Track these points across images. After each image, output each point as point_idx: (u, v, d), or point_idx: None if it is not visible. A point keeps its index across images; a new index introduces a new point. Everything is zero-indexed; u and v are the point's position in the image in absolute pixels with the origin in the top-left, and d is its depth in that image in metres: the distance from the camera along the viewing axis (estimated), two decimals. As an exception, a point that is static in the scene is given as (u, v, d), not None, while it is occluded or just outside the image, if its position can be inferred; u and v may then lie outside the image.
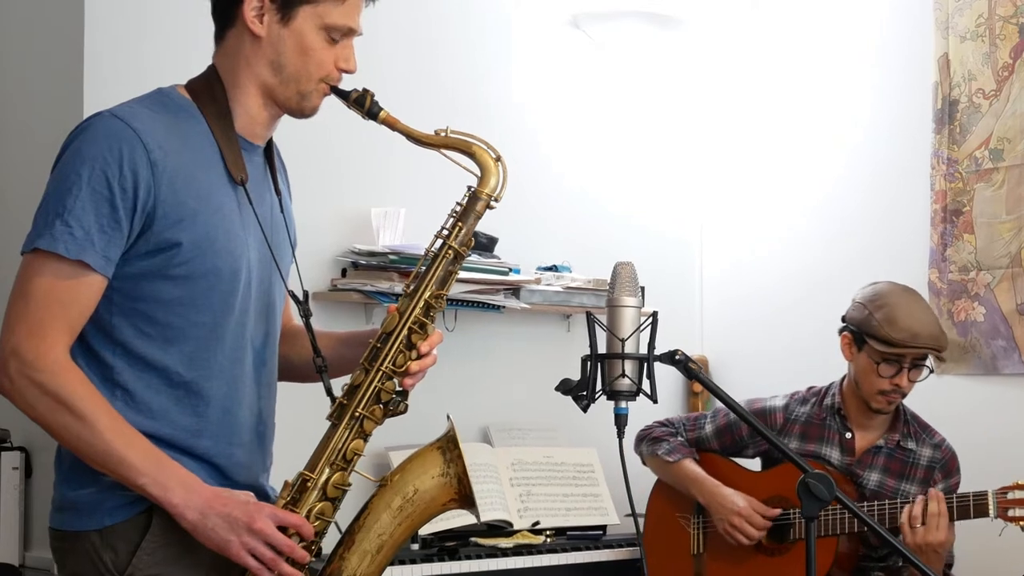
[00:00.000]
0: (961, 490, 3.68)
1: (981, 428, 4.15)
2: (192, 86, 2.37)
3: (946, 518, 3.46)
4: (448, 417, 2.45)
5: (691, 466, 3.94)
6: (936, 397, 4.21)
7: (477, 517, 2.48)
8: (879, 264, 4.43)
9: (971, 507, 3.45)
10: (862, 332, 3.67)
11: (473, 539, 4.03)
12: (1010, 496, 3.41)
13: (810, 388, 3.93)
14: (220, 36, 2.39)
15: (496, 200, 2.42)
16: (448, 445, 2.39)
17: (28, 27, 4.05)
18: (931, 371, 3.69)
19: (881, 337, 3.61)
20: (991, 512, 3.43)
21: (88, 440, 2.17)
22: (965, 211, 4.30)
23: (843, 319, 3.77)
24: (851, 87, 4.71)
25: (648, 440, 4.03)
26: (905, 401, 3.80)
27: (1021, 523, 3.39)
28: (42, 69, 3.99)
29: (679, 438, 4.01)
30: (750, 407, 3.94)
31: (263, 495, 2.37)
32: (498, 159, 2.42)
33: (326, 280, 4.08)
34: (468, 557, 3.90)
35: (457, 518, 3.93)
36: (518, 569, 3.98)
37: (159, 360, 2.25)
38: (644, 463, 4.07)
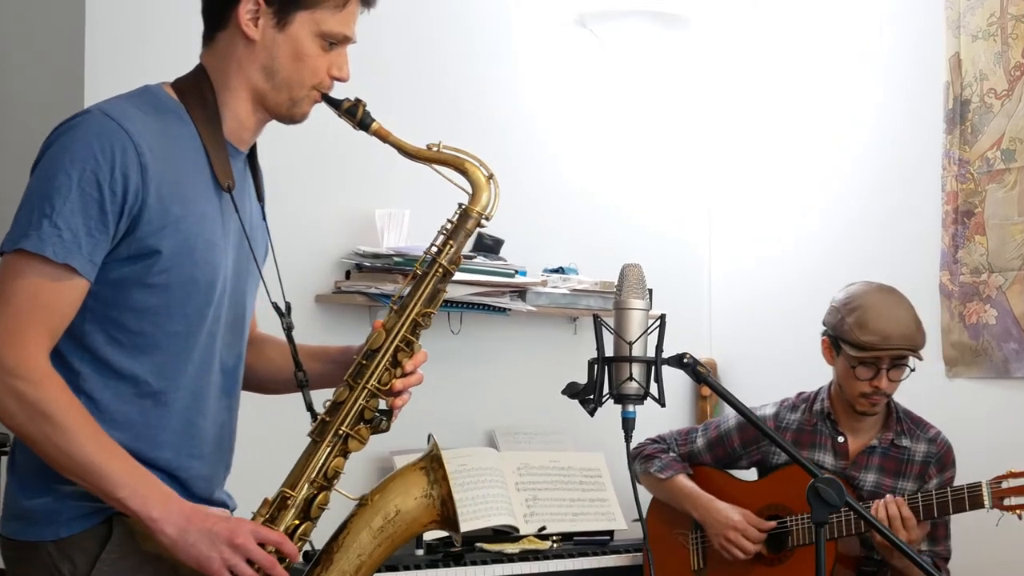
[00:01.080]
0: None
1: (992, 431, 4.14)
2: (180, 86, 2.34)
3: (911, 520, 3.44)
4: (430, 437, 2.45)
5: (684, 482, 3.94)
6: (947, 400, 4.22)
7: (457, 541, 2.47)
8: (889, 266, 4.41)
9: (966, 499, 3.43)
10: (837, 337, 3.68)
11: (479, 544, 4.04)
12: (1004, 485, 3.38)
13: (800, 394, 3.93)
14: (210, 37, 2.36)
15: (487, 219, 2.42)
16: (432, 465, 2.38)
17: (28, 27, 4.06)
18: (912, 370, 3.68)
19: (853, 341, 3.62)
20: (986, 503, 3.40)
21: (68, 451, 2.13)
22: (977, 212, 4.29)
23: (823, 322, 3.77)
24: (861, 87, 4.70)
25: (641, 458, 4.02)
26: (913, 403, 3.81)
27: (1018, 511, 3.36)
28: (42, 69, 3.99)
29: (671, 454, 4.00)
30: (740, 418, 3.92)
31: (221, 507, 2.35)
32: (490, 177, 2.42)
33: (330, 282, 4.07)
34: (474, 563, 3.89)
35: (463, 523, 3.90)
36: (524, 575, 3.97)
37: (128, 369, 2.22)
38: (638, 481, 4.05)
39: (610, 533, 4.33)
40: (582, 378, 2.50)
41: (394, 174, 4.24)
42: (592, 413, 2.50)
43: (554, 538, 4.18)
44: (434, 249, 2.40)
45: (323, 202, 4.02)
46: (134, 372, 2.22)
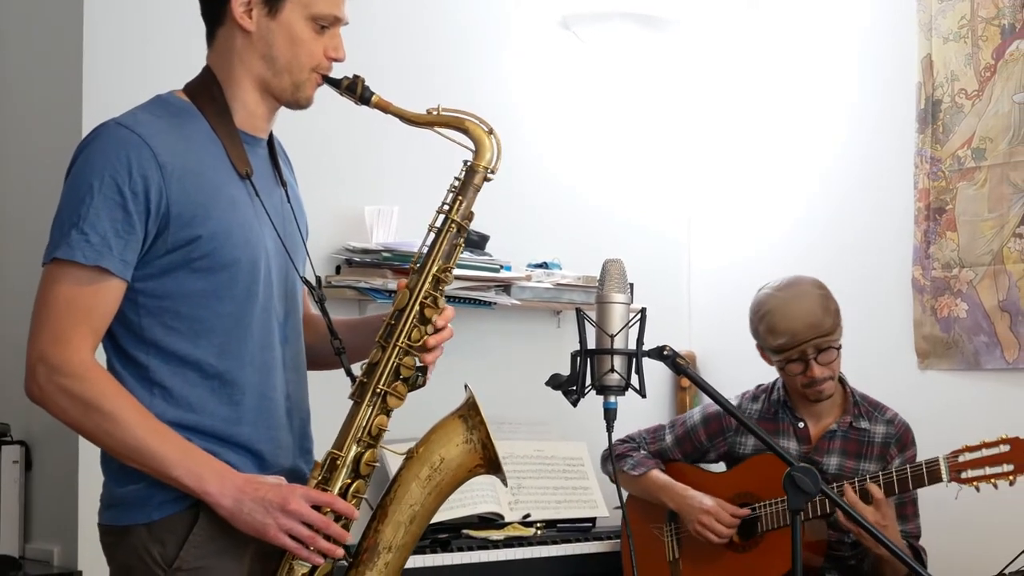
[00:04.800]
0: None
1: (963, 423, 4.11)
2: (189, 88, 2.43)
3: (859, 504, 3.49)
4: (467, 387, 2.50)
5: (658, 475, 4.00)
6: (919, 392, 4.26)
7: (504, 481, 2.51)
8: (863, 261, 4.49)
9: (924, 474, 3.49)
10: (758, 344, 3.82)
11: (465, 531, 4.07)
12: (961, 459, 3.45)
13: (759, 385, 4.01)
14: (211, 35, 2.45)
15: (492, 172, 2.48)
16: (469, 412, 2.45)
17: (27, 30, 4.07)
18: (837, 349, 3.74)
19: (769, 347, 3.75)
20: (944, 476, 3.46)
21: (120, 438, 2.22)
22: (948, 209, 4.34)
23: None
24: (836, 87, 4.74)
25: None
26: (886, 394, 3.88)
27: (975, 483, 3.43)
28: (41, 74, 4.01)
29: (642, 452, 4.07)
30: (705, 412, 4.04)
31: (300, 477, 2.41)
32: (491, 132, 2.48)
33: (321, 277, 4.09)
34: (460, 549, 3.93)
35: (450, 511, 3.96)
36: (509, 561, 4.02)
37: (190, 354, 2.31)
38: (612, 481, 4.10)
39: (592, 520, 4.37)
40: (565, 370, 2.55)
41: (384, 171, 4.29)
42: (575, 404, 2.55)
43: (538, 525, 4.23)
44: (446, 207, 2.46)
45: (314, 199, 4.01)
46: (196, 357, 2.31)
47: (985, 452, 3.44)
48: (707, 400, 4.07)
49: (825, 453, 3.80)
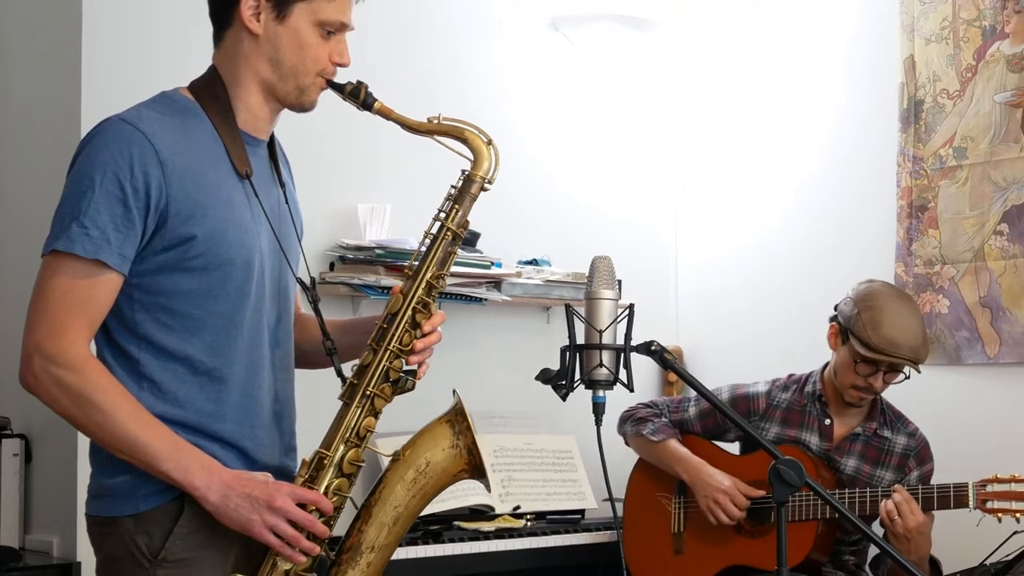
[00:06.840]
0: (932, 478, 3.81)
1: (945, 417, 4.22)
2: (194, 87, 2.45)
3: (913, 503, 3.54)
4: (455, 392, 2.52)
5: (676, 445, 4.00)
6: (902, 386, 4.29)
7: (487, 487, 2.53)
8: (848, 258, 4.52)
9: (951, 498, 3.53)
10: (847, 328, 3.75)
11: (456, 523, 4.10)
12: (989, 489, 3.49)
13: (791, 375, 4.01)
14: (219, 36, 2.46)
15: (489, 182, 2.50)
16: (456, 418, 2.47)
17: (27, 28, 4.09)
18: (907, 376, 3.76)
19: (862, 339, 3.68)
20: (971, 503, 3.51)
21: (111, 430, 2.24)
22: (930, 207, 4.39)
23: (835, 308, 3.84)
24: (821, 87, 4.79)
25: (632, 420, 4.08)
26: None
27: (998, 515, 3.48)
28: (41, 72, 4.02)
29: (663, 419, 4.06)
30: (734, 392, 4.01)
31: (286, 475, 2.43)
32: (489, 143, 2.49)
33: (314, 274, 4.08)
34: (451, 540, 3.96)
35: (441, 503, 3.99)
36: (499, 552, 4.05)
37: (182, 350, 2.33)
38: (627, 443, 4.12)
39: (581, 512, 4.40)
40: (555, 365, 2.55)
41: (377, 169, 4.29)
42: (564, 398, 2.56)
43: (528, 517, 4.26)
44: (442, 215, 2.47)
45: (308, 197, 4.04)
46: (188, 353, 2.33)
47: (1014, 487, 3.49)
48: (738, 381, 4.09)
49: (845, 454, 3.83)
